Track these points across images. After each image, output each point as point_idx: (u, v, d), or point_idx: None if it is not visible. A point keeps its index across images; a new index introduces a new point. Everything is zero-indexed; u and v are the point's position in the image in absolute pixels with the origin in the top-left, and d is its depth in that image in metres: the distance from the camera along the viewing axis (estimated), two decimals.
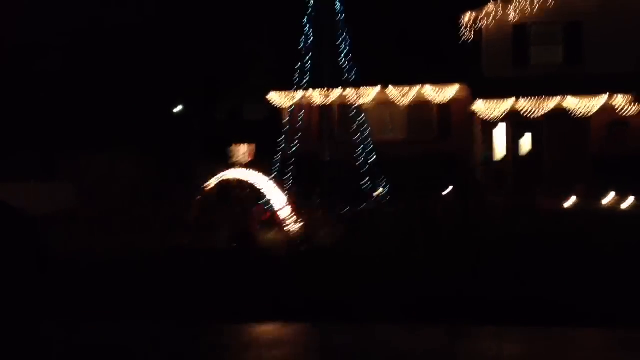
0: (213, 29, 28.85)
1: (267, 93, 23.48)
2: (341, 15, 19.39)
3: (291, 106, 23.02)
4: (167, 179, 19.06)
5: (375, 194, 17.90)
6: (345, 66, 19.70)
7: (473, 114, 21.46)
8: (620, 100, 20.17)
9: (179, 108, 31.26)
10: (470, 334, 7.88)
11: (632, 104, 19.76)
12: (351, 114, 20.75)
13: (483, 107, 20.69)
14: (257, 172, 15.07)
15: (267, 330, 8.13)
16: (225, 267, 10.91)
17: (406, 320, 8.22)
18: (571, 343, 7.47)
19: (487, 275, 9.71)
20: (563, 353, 7.07)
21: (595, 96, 20.13)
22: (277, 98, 23.18)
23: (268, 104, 24.40)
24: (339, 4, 19.20)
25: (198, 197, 14.41)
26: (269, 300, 9.00)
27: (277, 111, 24.35)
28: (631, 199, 18.05)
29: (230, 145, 25.79)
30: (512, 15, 22.00)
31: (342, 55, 19.45)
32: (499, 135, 22.21)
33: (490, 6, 22.02)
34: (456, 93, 22.37)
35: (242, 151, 26.22)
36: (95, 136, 23.57)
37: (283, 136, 23.54)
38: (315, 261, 11.71)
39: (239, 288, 9.58)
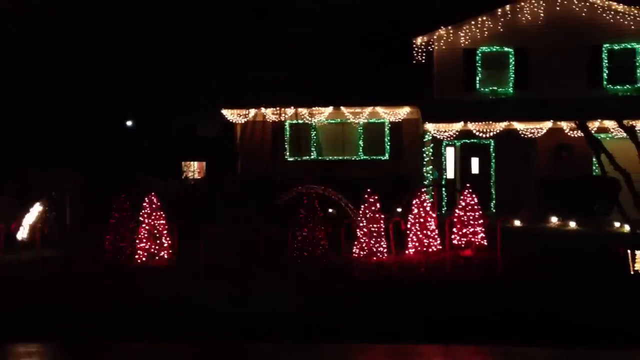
0: (167, 46, 28.65)
1: (220, 110, 23.35)
2: (295, 36, 19.51)
3: (244, 124, 22.99)
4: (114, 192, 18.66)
5: (330, 211, 17.92)
6: (299, 86, 19.80)
7: (424, 135, 21.78)
8: (564, 126, 20.79)
9: (130, 123, 30.81)
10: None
11: (576, 129, 20.39)
12: (303, 134, 20.82)
13: (433, 129, 21.03)
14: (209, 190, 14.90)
15: None
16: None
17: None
18: None
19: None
20: None
21: (541, 121, 20.69)
22: (229, 115, 23.08)
23: (222, 120, 24.24)
24: (292, 24, 19.31)
25: (147, 211, 14.14)
26: None
27: (230, 128, 24.23)
28: (573, 224, 18.54)
29: (184, 161, 25.52)
30: (462, 40, 22.51)
31: (296, 75, 19.54)
32: (449, 156, 22.59)
33: (441, 31, 22.48)
34: (408, 115, 22.70)
35: (193, 168, 25.98)
36: (40, 151, 23.01)
37: (235, 153, 23.46)
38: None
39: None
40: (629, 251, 11.26)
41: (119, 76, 27.21)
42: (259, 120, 22.96)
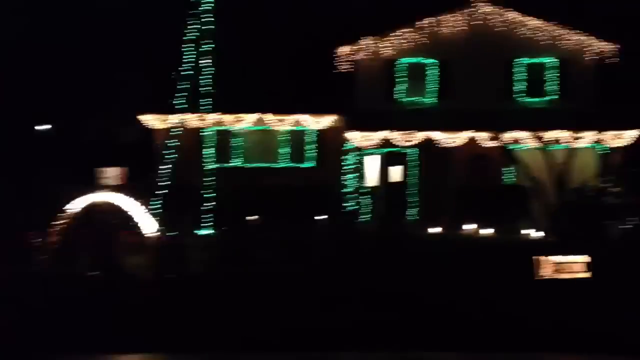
0: (84, 49, 27.79)
1: (141, 115, 22.84)
2: (220, 42, 19.33)
3: (164, 130, 22.56)
4: (26, 202, 17.93)
5: (250, 218, 17.87)
6: (223, 92, 19.62)
7: (347, 144, 22.00)
8: (482, 136, 21.44)
9: (44, 127, 29.66)
10: None
11: (493, 139, 21.07)
12: (226, 141, 20.66)
13: (356, 138, 21.26)
14: (127, 196, 14.55)
15: None
16: (83, 294, 10.42)
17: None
18: None
19: None
20: None
21: (459, 131, 21.28)
22: (151, 121, 22.60)
23: (141, 126, 23.72)
24: (218, 30, 19.13)
25: (60, 221, 13.66)
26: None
27: (151, 134, 23.73)
28: (487, 231, 19.17)
29: (100, 168, 24.73)
30: (385, 51, 22.91)
31: (220, 81, 19.36)
32: (372, 165, 22.89)
33: (365, 41, 22.80)
34: (331, 123, 22.88)
35: (113, 174, 25.24)
36: None
37: (157, 160, 22.97)
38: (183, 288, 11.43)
39: (97, 316, 9.15)
40: (534, 257, 11.71)
41: (27, 81, 26.18)
42: (180, 127, 22.58)
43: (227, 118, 22.19)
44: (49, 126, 29.58)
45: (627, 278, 12.38)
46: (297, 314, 9.74)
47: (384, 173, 22.92)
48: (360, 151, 21.90)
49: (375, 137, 21.20)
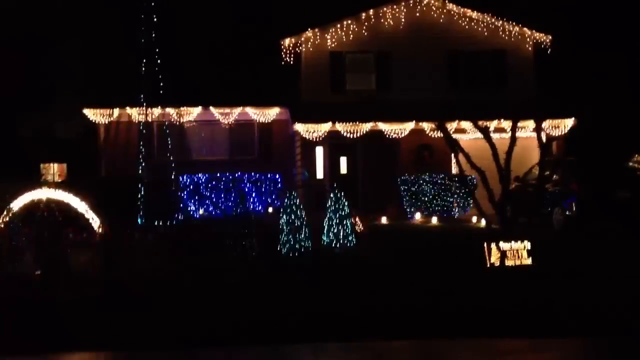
0: (25, 42, 26.87)
1: (81, 110, 22.27)
2: (163, 36, 18.99)
3: (107, 124, 22.11)
4: None
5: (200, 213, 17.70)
6: (167, 85, 19.30)
7: (293, 136, 22.00)
8: (425, 127, 21.80)
9: None
10: None
11: (437, 128, 21.41)
12: (171, 134, 20.36)
13: (302, 130, 21.29)
14: (69, 192, 14.13)
15: None
16: (26, 293, 10.15)
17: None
18: None
19: None
20: None
21: (403, 122, 21.57)
22: (92, 115, 22.07)
23: (82, 121, 23.15)
24: (161, 23, 18.78)
25: (2, 219, 13.20)
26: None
27: (93, 129, 23.19)
28: (435, 220, 19.55)
29: (39, 164, 23.99)
30: (329, 42, 22.99)
31: (163, 74, 19.04)
32: (318, 156, 22.98)
33: (309, 33, 22.82)
34: (277, 115, 22.84)
35: (53, 171, 24.54)
36: None
37: (100, 155, 22.48)
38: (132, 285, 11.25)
39: (41, 316, 8.94)
40: (485, 245, 12.02)
41: None
42: (123, 121, 22.17)
43: (172, 111, 21.88)
44: None
45: (568, 262, 12.83)
46: (247, 307, 9.71)
47: (330, 165, 23.04)
48: (306, 143, 21.93)
49: (321, 128, 21.28)
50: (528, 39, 23.80)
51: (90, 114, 22.04)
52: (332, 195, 15.18)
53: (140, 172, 18.75)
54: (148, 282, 11.56)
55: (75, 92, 25.13)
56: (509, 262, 12.03)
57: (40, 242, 13.07)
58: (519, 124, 17.49)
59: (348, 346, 8.34)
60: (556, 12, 28.19)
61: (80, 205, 13.66)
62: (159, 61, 18.92)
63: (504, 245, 12.12)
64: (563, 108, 22.49)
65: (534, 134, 15.18)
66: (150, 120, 19.69)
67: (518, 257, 12.13)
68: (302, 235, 14.17)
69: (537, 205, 16.52)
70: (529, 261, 12.09)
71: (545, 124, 21.27)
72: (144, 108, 19.79)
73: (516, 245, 12.18)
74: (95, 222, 13.59)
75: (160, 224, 15.08)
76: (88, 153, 23.12)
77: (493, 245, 12.05)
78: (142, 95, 18.88)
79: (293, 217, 14.28)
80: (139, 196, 17.65)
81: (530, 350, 8.02)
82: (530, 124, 19.80)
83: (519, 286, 10.96)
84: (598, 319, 9.01)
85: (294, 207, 14.40)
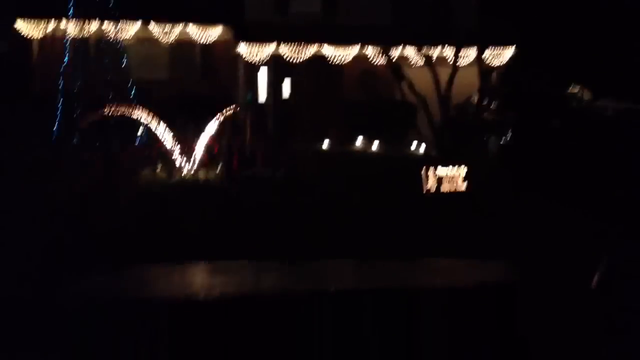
0: None
1: (13, 21, 21.14)
2: None
3: (41, 39, 21.16)
4: None
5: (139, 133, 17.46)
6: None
7: (237, 57, 21.61)
8: (370, 51, 21.71)
9: None
10: None
11: (381, 55, 21.39)
12: (109, 51, 19.68)
13: (246, 51, 20.92)
14: None
15: None
16: None
17: None
18: None
19: None
20: None
21: (348, 46, 21.43)
22: (24, 28, 21.02)
23: (13, 33, 22.01)
24: None
25: None
26: None
27: (24, 43, 22.11)
28: (376, 143, 19.85)
29: None
30: None
31: None
32: (262, 79, 22.71)
33: None
34: (220, 35, 22.26)
35: None
36: None
37: (31, 72, 21.59)
38: None
39: None
40: (422, 171, 12.34)
41: None
42: (58, 36, 21.20)
43: (109, 26, 21.00)
44: None
45: (500, 189, 13.34)
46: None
47: (273, 87, 22.83)
48: (250, 66, 21.60)
49: (265, 50, 20.96)
50: None
51: (23, 26, 20.98)
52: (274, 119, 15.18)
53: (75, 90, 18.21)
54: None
55: (5, 2, 23.75)
56: (444, 189, 12.42)
57: None
58: (461, 53, 17.72)
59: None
60: None
61: None
62: None
63: (440, 171, 12.46)
64: (504, 36, 22.73)
65: (476, 65, 15.42)
66: (86, 36, 18.93)
67: (454, 182, 12.52)
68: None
69: (475, 133, 16.95)
70: (463, 187, 12.52)
71: (487, 53, 21.53)
72: (80, 21, 18.99)
73: (452, 170, 12.53)
74: None
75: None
76: (17, 70, 22.12)
77: (430, 171, 12.38)
78: (78, 7, 18.08)
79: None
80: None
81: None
82: (472, 52, 20.00)
83: (450, 211, 11.40)
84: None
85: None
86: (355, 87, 22.61)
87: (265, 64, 21.74)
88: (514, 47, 22.52)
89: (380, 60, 21.50)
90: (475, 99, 16.13)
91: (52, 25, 20.85)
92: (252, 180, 13.72)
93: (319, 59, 21.51)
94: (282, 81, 22.89)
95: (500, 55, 22.49)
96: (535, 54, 24.37)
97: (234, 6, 22.46)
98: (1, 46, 22.54)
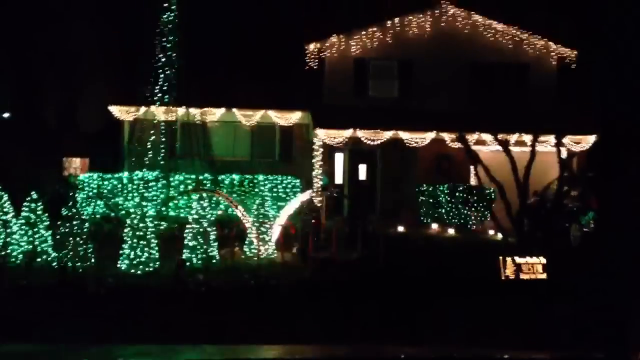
0: (53, 39, 27.34)
1: (107, 106, 22.65)
2: (189, 35, 19.23)
3: (132, 121, 22.41)
4: None
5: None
6: (192, 86, 19.56)
7: (314, 140, 22.20)
8: (446, 137, 21.86)
9: (6, 115, 29.14)
10: None
11: (457, 139, 21.49)
12: (195, 133, 20.60)
13: (323, 135, 21.47)
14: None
15: None
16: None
17: None
18: None
19: None
20: None
21: (424, 131, 21.66)
22: (117, 112, 22.44)
23: (107, 117, 23.50)
24: (187, 24, 19.03)
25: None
26: None
27: (116, 125, 23.54)
28: (451, 230, 19.62)
29: (62, 157, 24.44)
30: (353, 48, 23.17)
31: (189, 74, 19.31)
32: (338, 162, 23.15)
33: (334, 39, 23.03)
34: (299, 119, 23.05)
35: (76, 164, 24.97)
36: None
37: (121, 151, 22.78)
38: None
39: None
40: (501, 258, 12.11)
41: None
42: (148, 119, 22.46)
43: (196, 111, 22.12)
44: (7, 115, 29.08)
45: (583, 278, 12.86)
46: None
47: (349, 171, 23.21)
48: (327, 148, 22.10)
49: (342, 134, 21.44)
50: (552, 53, 23.82)
51: (116, 110, 22.40)
52: (350, 200, 15.35)
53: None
54: None
55: (101, 88, 25.52)
56: (523, 276, 12.11)
57: None
58: (540, 139, 17.55)
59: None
60: (582, 27, 28.11)
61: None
62: (185, 61, 19.17)
63: (519, 259, 12.20)
64: (585, 124, 22.45)
65: (554, 149, 15.23)
66: (174, 119, 19.96)
67: (533, 271, 12.21)
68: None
69: (555, 220, 16.54)
70: (543, 276, 12.16)
71: (566, 139, 21.27)
72: (168, 107, 20.08)
73: (532, 259, 12.26)
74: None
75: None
76: (111, 149, 23.47)
77: (508, 259, 12.14)
78: (167, 95, 19.16)
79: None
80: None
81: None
82: (551, 138, 19.76)
83: (528, 299, 11.07)
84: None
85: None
86: (430, 170, 22.68)
87: (342, 147, 22.20)
88: (595, 135, 22.15)
89: (456, 145, 21.58)
90: (555, 185, 15.82)
91: (142, 110, 22.14)
92: (327, 262, 13.77)
93: (395, 142, 21.79)
94: (358, 163, 23.27)
95: (581, 141, 22.16)
96: (618, 140, 23.79)
97: (312, 93, 23.30)
98: (97, 126, 24.04)
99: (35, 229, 13.12)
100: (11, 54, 26.12)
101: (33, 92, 29.25)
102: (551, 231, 15.65)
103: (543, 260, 12.27)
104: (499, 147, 20.18)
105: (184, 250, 13.44)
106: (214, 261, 13.59)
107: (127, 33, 24.84)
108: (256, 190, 19.19)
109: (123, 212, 16.60)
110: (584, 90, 26.46)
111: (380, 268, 13.16)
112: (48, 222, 13.27)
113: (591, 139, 22.23)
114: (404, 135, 21.69)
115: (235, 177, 19.73)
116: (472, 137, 21.31)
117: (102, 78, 26.60)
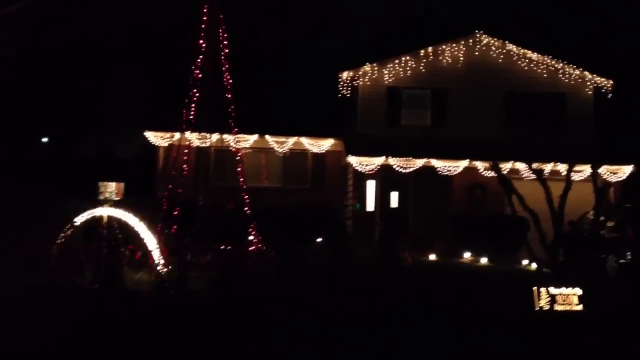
0: (82, 67, 28.03)
1: (142, 132, 23.07)
2: (224, 63, 19.51)
3: (167, 147, 22.76)
4: (26, 215, 18.02)
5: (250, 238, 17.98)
6: (225, 112, 19.78)
7: (346, 167, 22.25)
8: (479, 165, 21.71)
9: (44, 141, 29.83)
10: None
11: (490, 169, 21.31)
12: (228, 160, 20.82)
13: (355, 162, 21.50)
14: (127, 211, 14.67)
15: None
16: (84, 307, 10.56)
17: None
18: None
19: None
20: None
21: (457, 160, 21.54)
22: (152, 138, 22.82)
23: (142, 142, 23.92)
24: (223, 51, 19.32)
25: (63, 235, 13.76)
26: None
27: (151, 151, 23.92)
28: (484, 260, 19.37)
29: (102, 182, 24.77)
30: (386, 77, 23.27)
31: (223, 101, 19.56)
32: (370, 189, 23.12)
33: (367, 67, 23.16)
34: (331, 147, 23.13)
35: (111, 189, 25.27)
36: None
37: (156, 176, 23.13)
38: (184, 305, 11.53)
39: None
40: (534, 288, 11.89)
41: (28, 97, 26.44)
42: (182, 145, 22.77)
43: (228, 137, 22.35)
44: (45, 140, 29.77)
45: (620, 311, 12.56)
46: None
47: (381, 198, 23.14)
48: (359, 175, 22.12)
49: (374, 162, 21.44)
50: (588, 83, 23.59)
51: (151, 136, 22.79)
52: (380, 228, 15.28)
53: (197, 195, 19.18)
54: (201, 303, 11.82)
55: (136, 115, 26.00)
56: (558, 307, 11.86)
57: (100, 258, 13.56)
58: (575, 168, 17.31)
59: None
60: (618, 56, 27.86)
61: (137, 224, 14.13)
62: (219, 88, 19.45)
63: (553, 289, 11.96)
64: (621, 154, 22.10)
65: (590, 179, 14.99)
66: (207, 145, 20.19)
67: (568, 302, 11.95)
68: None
69: (591, 251, 16.21)
70: (579, 307, 11.90)
71: (603, 170, 20.96)
72: (202, 133, 20.34)
73: (567, 290, 12.01)
74: (151, 241, 14.02)
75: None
76: (145, 173, 23.81)
77: (543, 289, 11.91)
78: (201, 121, 19.41)
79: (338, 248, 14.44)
80: (195, 219, 18.07)
81: None
82: (587, 168, 19.50)
83: (564, 331, 10.82)
84: None
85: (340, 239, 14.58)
86: (463, 199, 22.50)
87: (374, 174, 22.18)
88: (632, 165, 21.78)
89: (490, 174, 21.39)
90: (591, 214, 15.53)
91: (177, 135, 22.46)
92: (357, 290, 13.69)
93: (427, 170, 21.70)
94: (390, 190, 23.20)
95: (618, 172, 21.80)
96: None
97: (345, 121, 23.41)
98: (132, 152, 24.46)
99: None
100: (52, 77, 26.85)
101: (70, 118, 29.95)
102: (587, 262, 15.35)
103: (579, 291, 12.02)
104: (533, 176, 19.98)
105: None
106: None
107: (163, 59, 25.33)
108: None
109: None
110: (621, 119, 26.16)
111: (410, 296, 13.00)
112: None
113: (628, 169, 21.87)
114: (436, 163, 21.60)
115: None
116: (505, 166, 21.13)
117: (138, 103, 27.10)
